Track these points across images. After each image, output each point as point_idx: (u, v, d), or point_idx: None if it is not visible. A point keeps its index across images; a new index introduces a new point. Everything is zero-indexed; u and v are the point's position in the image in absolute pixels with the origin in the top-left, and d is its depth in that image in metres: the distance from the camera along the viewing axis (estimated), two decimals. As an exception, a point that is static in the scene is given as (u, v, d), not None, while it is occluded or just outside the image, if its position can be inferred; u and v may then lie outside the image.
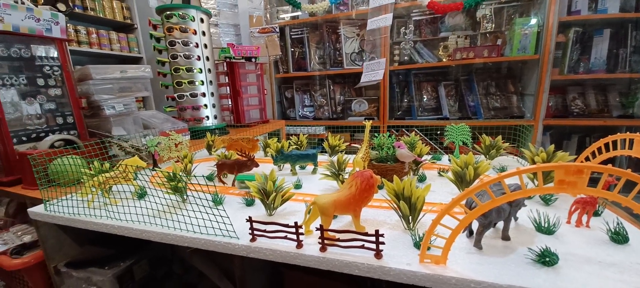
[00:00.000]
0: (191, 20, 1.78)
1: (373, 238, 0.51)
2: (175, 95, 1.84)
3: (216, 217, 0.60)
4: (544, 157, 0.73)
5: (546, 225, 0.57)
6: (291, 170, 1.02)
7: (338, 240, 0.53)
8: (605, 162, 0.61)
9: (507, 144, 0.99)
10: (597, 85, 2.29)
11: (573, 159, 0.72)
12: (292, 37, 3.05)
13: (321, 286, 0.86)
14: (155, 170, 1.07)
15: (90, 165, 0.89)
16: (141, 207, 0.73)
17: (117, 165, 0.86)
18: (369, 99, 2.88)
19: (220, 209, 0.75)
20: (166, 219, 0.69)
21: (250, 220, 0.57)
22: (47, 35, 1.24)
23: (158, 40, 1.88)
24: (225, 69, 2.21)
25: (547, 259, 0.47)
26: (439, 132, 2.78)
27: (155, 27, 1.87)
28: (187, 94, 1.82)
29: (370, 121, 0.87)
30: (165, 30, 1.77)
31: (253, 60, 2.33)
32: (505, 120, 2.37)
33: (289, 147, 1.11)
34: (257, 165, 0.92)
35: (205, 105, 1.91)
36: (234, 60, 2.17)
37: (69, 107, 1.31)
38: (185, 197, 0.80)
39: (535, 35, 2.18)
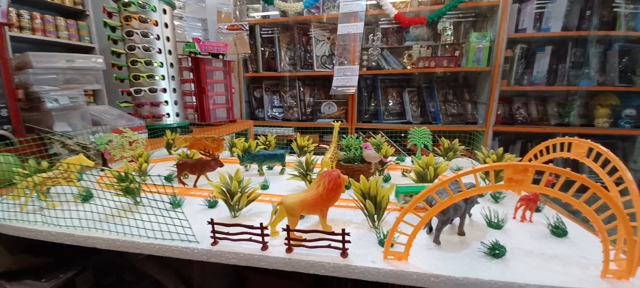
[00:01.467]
0: (152, 10, 1.66)
1: (339, 238, 0.51)
2: (132, 89, 1.70)
3: (173, 220, 0.56)
4: (495, 158, 0.80)
5: (496, 221, 0.61)
6: (258, 171, 0.99)
7: (304, 240, 0.53)
8: (546, 163, 0.68)
9: (462, 147, 1.06)
10: (538, 97, 2.56)
11: (518, 160, 0.79)
12: (263, 36, 3.00)
13: (287, 288, 0.85)
14: (104, 170, 0.98)
15: (25, 164, 0.78)
16: (85, 211, 0.66)
17: (57, 164, 0.77)
18: (338, 102, 2.93)
19: (178, 212, 0.70)
20: (115, 224, 0.63)
21: (211, 222, 0.54)
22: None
23: (113, 29, 1.73)
24: (190, 64, 2.10)
25: (497, 251, 0.51)
26: (403, 135, 2.91)
27: (110, 14, 1.72)
28: (146, 88, 1.70)
29: (339, 122, 0.88)
30: (122, 19, 1.64)
31: (220, 57, 2.24)
32: (461, 126, 2.55)
33: (256, 147, 1.08)
34: (221, 165, 0.88)
35: (166, 102, 1.80)
36: (199, 56, 2.07)
37: (3, 98, 1.15)
38: (138, 199, 0.74)
39: (488, 49, 2.38)
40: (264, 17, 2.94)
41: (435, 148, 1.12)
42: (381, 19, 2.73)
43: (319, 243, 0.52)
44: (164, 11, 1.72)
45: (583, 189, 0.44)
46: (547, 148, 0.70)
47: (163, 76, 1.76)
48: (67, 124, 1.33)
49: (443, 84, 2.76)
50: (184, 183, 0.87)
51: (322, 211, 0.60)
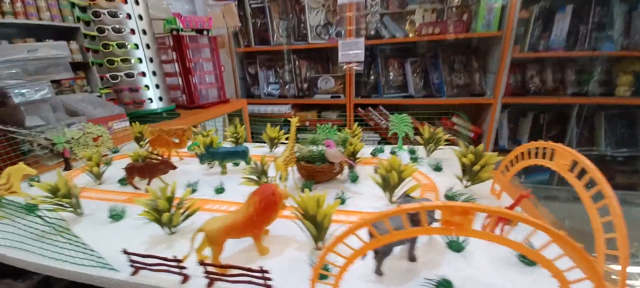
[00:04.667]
0: (119, -14, 1.53)
1: (260, 274, 0.44)
2: (108, 75, 1.63)
3: (76, 240, 0.50)
4: (472, 158, 0.69)
5: (456, 241, 0.53)
6: (221, 170, 0.92)
7: (225, 274, 0.46)
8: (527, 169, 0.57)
9: (447, 136, 0.95)
10: (555, 63, 2.31)
11: (498, 162, 0.69)
12: (252, 5, 2.80)
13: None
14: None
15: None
16: (21, 228, 0.62)
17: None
18: (335, 77, 2.76)
19: (114, 227, 0.66)
20: (49, 243, 0.59)
21: (126, 252, 0.49)
22: None
23: (83, 9, 1.62)
24: (172, 43, 1.99)
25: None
26: (403, 110, 2.75)
27: (79, -7, 1.61)
28: (122, 73, 1.62)
29: (296, 118, 0.79)
30: (88, -1, 1.53)
31: (205, 33, 2.11)
32: (467, 98, 2.37)
33: (220, 142, 1.01)
34: (173, 168, 0.82)
35: (146, 86, 1.72)
36: (181, 33, 1.95)
37: (-37, 95, 1.11)
38: (79, 211, 0.70)
39: (500, 10, 2.12)
40: (252, -16, 2.71)
41: (417, 137, 1.01)
42: (379, -19, 2.46)
43: (239, 278, 0.46)
44: (133, -13, 1.58)
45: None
46: (529, 151, 0.58)
47: (140, 59, 1.67)
48: (39, 117, 1.29)
49: (450, 51, 2.52)
50: (136, 188, 0.82)
51: (254, 234, 0.53)
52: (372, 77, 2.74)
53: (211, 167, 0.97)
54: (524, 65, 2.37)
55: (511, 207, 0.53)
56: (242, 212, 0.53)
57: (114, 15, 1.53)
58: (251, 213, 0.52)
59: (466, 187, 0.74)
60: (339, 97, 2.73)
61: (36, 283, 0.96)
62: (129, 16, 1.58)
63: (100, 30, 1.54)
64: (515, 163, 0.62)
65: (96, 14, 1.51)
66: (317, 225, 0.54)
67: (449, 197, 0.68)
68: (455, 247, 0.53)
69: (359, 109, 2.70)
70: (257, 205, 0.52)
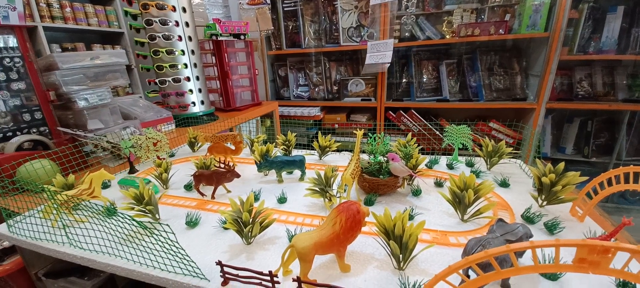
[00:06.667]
0: (169, -5, 1.60)
1: (356, 295, 0.45)
2: (157, 80, 1.71)
3: (178, 249, 0.53)
4: (553, 177, 0.66)
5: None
6: (277, 179, 0.94)
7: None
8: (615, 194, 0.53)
9: (510, 149, 0.91)
10: (605, 66, 2.16)
11: (579, 174, 0.65)
12: (285, 9, 2.83)
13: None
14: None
15: (52, 181, 0.81)
16: (107, 231, 0.67)
17: (82, 179, 0.78)
18: (366, 79, 2.74)
19: (191, 235, 0.68)
20: (134, 247, 0.62)
21: (220, 263, 0.51)
22: (4, 23, 1.10)
23: (134, 17, 1.71)
24: (211, 47, 2.05)
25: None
26: (436, 115, 2.68)
27: (130, 2, 1.70)
28: (170, 79, 1.69)
29: (361, 130, 0.78)
30: (140, 7, 1.60)
31: (242, 37, 2.16)
32: (506, 103, 2.27)
33: (274, 150, 1.03)
34: (237, 176, 0.85)
35: (190, 91, 1.79)
36: (221, 38, 2.01)
37: (35, 101, 1.20)
38: (157, 217, 0.73)
39: (547, 10, 2.01)
40: (285, -13, 2.74)
41: (475, 148, 0.98)
42: (416, -19, 2.41)
43: (333, 297, 0.46)
44: (181, -5, 1.64)
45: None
46: (627, 176, 0.55)
47: (186, 64, 1.74)
48: (99, 120, 1.37)
49: (488, 53, 2.43)
50: (202, 194, 0.85)
51: (339, 251, 0.53)
52: (404, 80, 2.69)
53: (266, 175, 0.99)
54: (570, 69, 2.24)
55: (611, 235, 0.50)
56: (327, 229, 0.53)
57: (164, 23, 1.59)
58: (337, 231, 0.52)
59: (541, 206, 0.71)
60: (370, 100, 2.71)
61: (101, 282, 1.03)
62: (177, 24, 1.64)
63: (152, 38, 1.61)
64: (607, 187, 0.58)
65: (148, 22, 1.58)
66: (401, 245, 0.53)
67: (527, 219, 0.65)
68: (550, 275, 0.51)
69: (390, 112, 2.67)
70: (343, 223, 0.52)
